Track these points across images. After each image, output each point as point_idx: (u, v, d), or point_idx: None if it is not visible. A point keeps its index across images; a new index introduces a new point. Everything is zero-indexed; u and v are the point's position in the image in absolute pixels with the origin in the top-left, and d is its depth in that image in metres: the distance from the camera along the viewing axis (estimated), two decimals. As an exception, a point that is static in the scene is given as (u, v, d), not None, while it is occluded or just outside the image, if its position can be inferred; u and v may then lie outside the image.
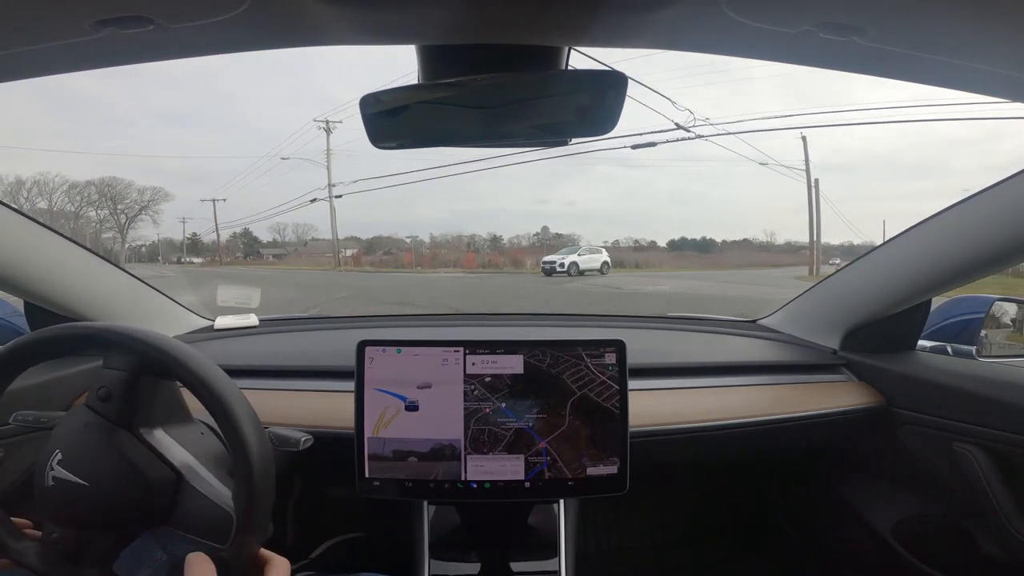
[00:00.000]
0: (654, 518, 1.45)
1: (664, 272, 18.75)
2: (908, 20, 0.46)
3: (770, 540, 1.41)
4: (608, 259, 16.81)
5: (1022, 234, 0.78)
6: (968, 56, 0.51)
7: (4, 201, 0.81)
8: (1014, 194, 0.77)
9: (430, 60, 0.61)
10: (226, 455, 0.62)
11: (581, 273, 14.75)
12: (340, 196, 19.64)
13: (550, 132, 0.69)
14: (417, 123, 0.67)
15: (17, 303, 0.98)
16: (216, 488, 0.57)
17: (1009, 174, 0.77)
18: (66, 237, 0.93)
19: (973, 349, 1.05)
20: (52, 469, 0.56)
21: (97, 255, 1.01)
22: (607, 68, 0.60)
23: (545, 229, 25.18)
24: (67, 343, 0.60)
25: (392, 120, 0.65)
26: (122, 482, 0.56)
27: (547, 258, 16.35)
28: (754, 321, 1.34)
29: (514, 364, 0.81)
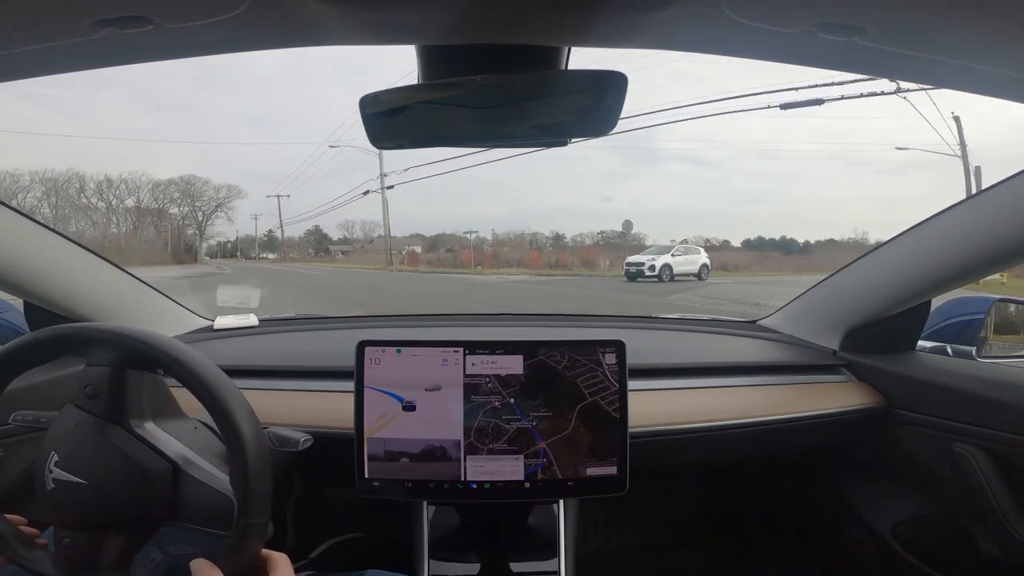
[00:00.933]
0: (654, 518, 1.45)
1: (763, 276, 15.15)
2: (909, 20, 0.46)
3: (770, 540, 1.41)
4: (708, 261, 13.55)
5: (1022, 234, 0.78)
6: (968, 56, 0.51)
7: (3, 201, 0.81)
8: (1014, 194, 0.77)
9: (430, 60, 0.61)
10: (221, 447, 0.62)
11: (673, 278, 11.95)
12: (392, 187, 18.75)
13: (550, 132, 0.69)
14: (417, 123, 0.67)
15: (17, 303, 0.97)
16: (214, 475, 0.57)
17: (1009, 174, 0.77)
18: (66, 237, 0.93)
19: (973, 350, 1.05)
20: (51, 471, 0.56)
21: (97, 255, 1.01)
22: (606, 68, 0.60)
23: (628, 224, 20.18)
24: (49, 346, 0.61)
25: (392, 120, 0.65)
26: (121, 477, 0.56)
27: (632, 259, 13.07)
28: (754, 321, 1.34)
29: (514, 365, 0.81)
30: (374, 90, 0.61)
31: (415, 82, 0.62)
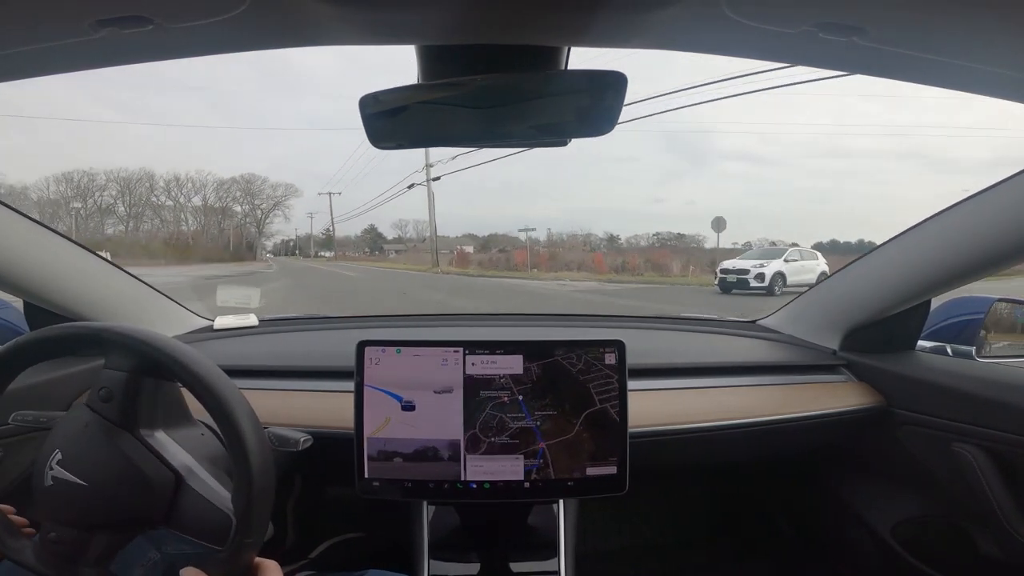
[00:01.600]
0: (654, 518, 1.45)
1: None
2: (908, 20, 0.46)
3: (770, 540, 1.41)
4: (828, 268, 9.94)
5: (1022, 234, 0.78)
6: (968, 56, 0.50)
7: (3, 201, 0.81)
8: (1014, 194, 0.77)
9: (430, 60, 0.61)
10: (226, 456, 0.62)
11: (784, 290, 9.16)
12: (438, 178, 17.41)
13: (549, 132, 0.69)
14: (416, 123, 0.67)
15: (17, 302, 0.97)
16: (215, 490, 0.57)
17: (1009, 174, 0.77)
18: (66, 237, 0.93)
19: (972, 349, 1.05)
20: (51, 469, 0.56)
21: (96, 255, 1.01)
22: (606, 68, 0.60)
23: (719, 222, 14.50)
24: (67, 343, 0.60)
25: (391, 120, 0.65)
26: (122, 483, 0.56)
27: (731, 264, 10.00)
28: (754, 321, 1.34)
29: (514, 365, 0.81)
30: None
31: (415, 82, 0.63)
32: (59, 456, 0.56)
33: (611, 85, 0.60)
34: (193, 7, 0.45)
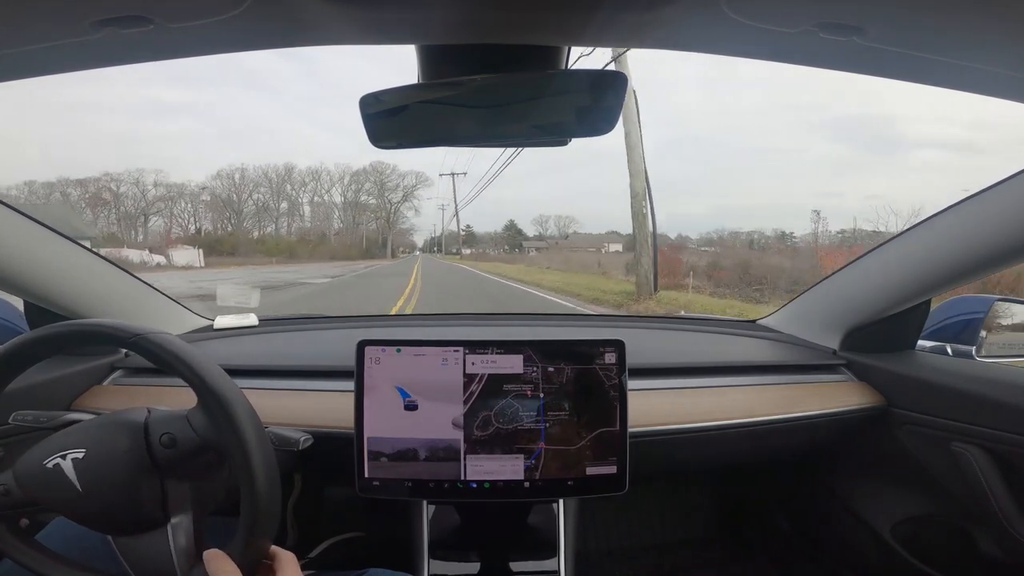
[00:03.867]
0: (654, 518, 1.45)
1: None
2: (908, 20, 0.46)
3: (770, 540, 1.41)
4: None
5: (1022, 235, 0.78)
6: (968, 56, 0.51)
7: (3, 200, 0.81)
8: (1014, 194, 0.77)
9: (430, 60, 0.61)
10: (225, 499, 0.61)
11: None
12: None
13: (549, 132, 0.70)
14: (417, 123, 0.67)
15: (17, 302, 0.97)
16: (185, 548, 0.56)
17: (1009, 174, 0.77)
18: (66, 236, 0.93)
19: (972, 349, 1.05)
20: (62, 459, 0.55)
21: (96, 254, 1.01)
22: (607, 68, 0.60)
23: None
24: (165, 365, 0.55)
25: (392, 120, 0.65)
26: (116, 510, 0.55)
27: None
28: (754, 321, 1.34)
29: (514, 364, 0.81)
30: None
31: (415, 82, 0.63)
32: (79, 455, 0.54)
33: (611, 85, 0.60)
34: (193, 7, 0.45)
